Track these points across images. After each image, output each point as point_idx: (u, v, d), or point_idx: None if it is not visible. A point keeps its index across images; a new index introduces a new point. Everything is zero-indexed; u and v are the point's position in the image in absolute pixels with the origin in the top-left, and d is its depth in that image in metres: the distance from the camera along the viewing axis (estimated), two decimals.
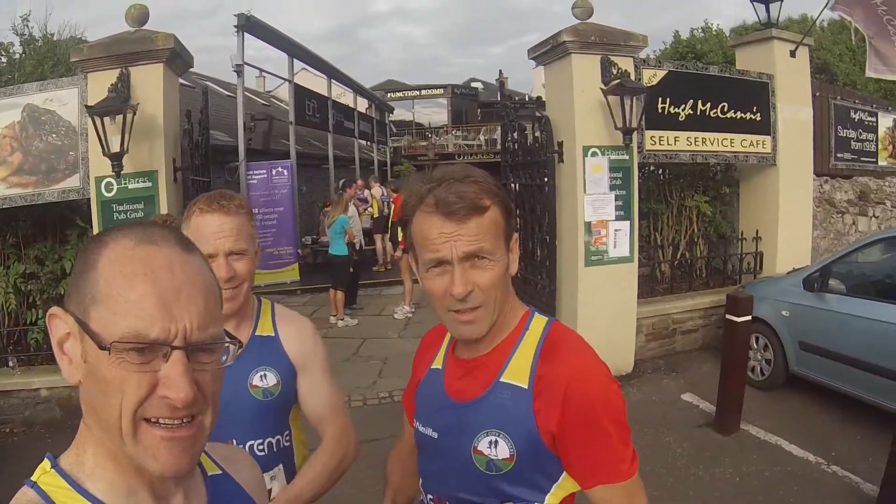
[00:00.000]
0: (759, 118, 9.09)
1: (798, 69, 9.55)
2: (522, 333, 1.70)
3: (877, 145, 13.93)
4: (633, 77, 7.48)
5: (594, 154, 7.11)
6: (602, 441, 1.57)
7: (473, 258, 1.58)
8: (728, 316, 6.39)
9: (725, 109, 8.72)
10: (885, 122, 14.24)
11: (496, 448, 1.63)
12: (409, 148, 37.20)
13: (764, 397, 7.14)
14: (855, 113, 13.23)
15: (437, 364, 1.89)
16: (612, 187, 7.22)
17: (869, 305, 6.30)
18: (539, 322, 1.73)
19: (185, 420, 1.01)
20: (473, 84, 46.72)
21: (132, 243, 1.02)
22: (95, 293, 1.00)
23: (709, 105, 8.55)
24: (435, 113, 41.14)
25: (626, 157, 7.29)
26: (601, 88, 7.16)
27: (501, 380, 1.66)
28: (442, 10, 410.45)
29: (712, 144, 8.67)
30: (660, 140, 7.96)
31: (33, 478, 1.04)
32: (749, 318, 6.40)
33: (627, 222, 7.59)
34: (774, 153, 9.25)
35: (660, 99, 8.01)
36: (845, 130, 12.90)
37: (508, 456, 1.61)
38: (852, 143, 13.14)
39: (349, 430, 2.39)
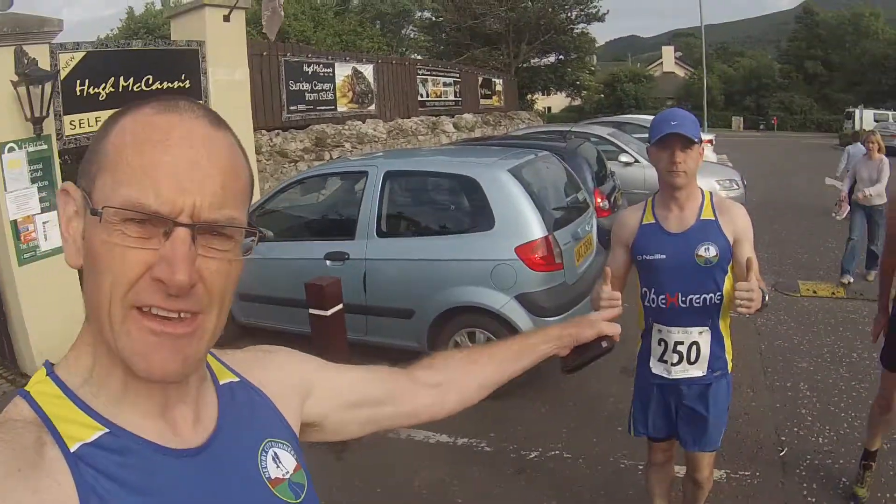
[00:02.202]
0: (188, 85, 9.23)
1: (233, 33, 9.88)
2: None
3: (335, 93, 14.89)
4: (49, 63, 7.28)
5: (11, 150, 6.84)
6: None
7: None
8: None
9: (150, 82, 8.70)
10: (343, 71, 15.27)
11: None
12: None
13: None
14: (309, 66, 14.01)
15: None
16: (33, 180, 7.00)
17: (286, 246, 6.87)
18: None
19: (181, 314, 0.90)
20: None
21: (152, 111, 0.93)
22: (102, 161, 0.91)
23: (132, 80, 8.44)
24: None
25: (45, 146, 7.10)
26: (11, 81, 6.89)
27: None
28: None
29: None
30: (80, 123, 7.78)
31: (27, 386, 0.94)
32: (340, 307, 6.26)
33: (55, 212, 7.32)
34: None
35: (78, 82, 7.77)
36: (298, 84, 13.64)
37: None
38: (307, 94, 13.93)
39: None
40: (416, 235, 6.72)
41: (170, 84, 8.99)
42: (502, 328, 5.96)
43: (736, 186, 13.11)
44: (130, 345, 0.89)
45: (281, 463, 1.11)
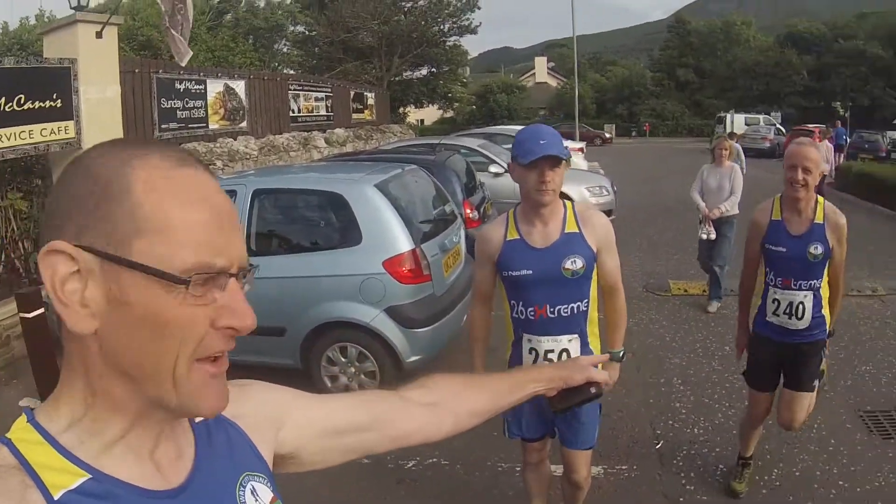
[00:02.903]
0: (60, 104, 8.99)
1: (105, 49, 9.72)
2: None
3: (206, 110, 14.66)
4: None
5: None
6: None
7: None
8: (22, 315, 6.00)
9: (23, 101, 8.40)
10: (214, 87, 15.08)
11: None
12: None
13: None
14: (181, 83, 13.74)
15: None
16: None
17: None
18: None
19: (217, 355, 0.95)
20: None
21: (168, 165, 0.92)
22: (139, 222, 0.88)
23: (3, 100, 8.16)
24: None
25: None
26: None
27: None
28: None
29: (9, 140, 8.35)
30: None
31: (9, 434, 0.92)
32: (42, 310, 5.99)
33: None
34: (79, 136, 9.22)
35: None
36: (170, 101, 13.34)
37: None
38: (179, 112, 13.64)
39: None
40: (287, 253, 6.75)
41: (41, 104, 8.76)
42: (374, 342, 6.11)
43: (606, 193, 13.50)
44: (196, 393, 0.93)
45: (259, 496, 1.12)
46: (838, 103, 58.69)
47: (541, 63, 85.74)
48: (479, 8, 46.49)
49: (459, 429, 1.58)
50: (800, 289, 4.28)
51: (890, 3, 68.80)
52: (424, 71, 49.44)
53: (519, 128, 18.11)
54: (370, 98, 29.76)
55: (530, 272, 3.29)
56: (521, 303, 3.38)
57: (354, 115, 26.73)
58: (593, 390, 1.75)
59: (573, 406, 1.80)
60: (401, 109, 49.39)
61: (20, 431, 0.92)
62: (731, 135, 20.42)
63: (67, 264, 0.88)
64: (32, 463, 0.89)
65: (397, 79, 46.52)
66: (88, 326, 0.89)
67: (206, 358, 0.93)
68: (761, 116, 46.15)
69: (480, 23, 46.88)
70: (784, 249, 4.28)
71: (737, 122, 42.10)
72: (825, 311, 4.35)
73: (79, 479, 0.90)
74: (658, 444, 5.45)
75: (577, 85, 47.08)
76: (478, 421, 1.61)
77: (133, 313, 0.88)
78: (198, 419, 1.10)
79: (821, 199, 4.32)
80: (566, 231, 3.31)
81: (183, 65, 10.79)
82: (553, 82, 78.13)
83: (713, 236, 8.77)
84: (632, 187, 19.86)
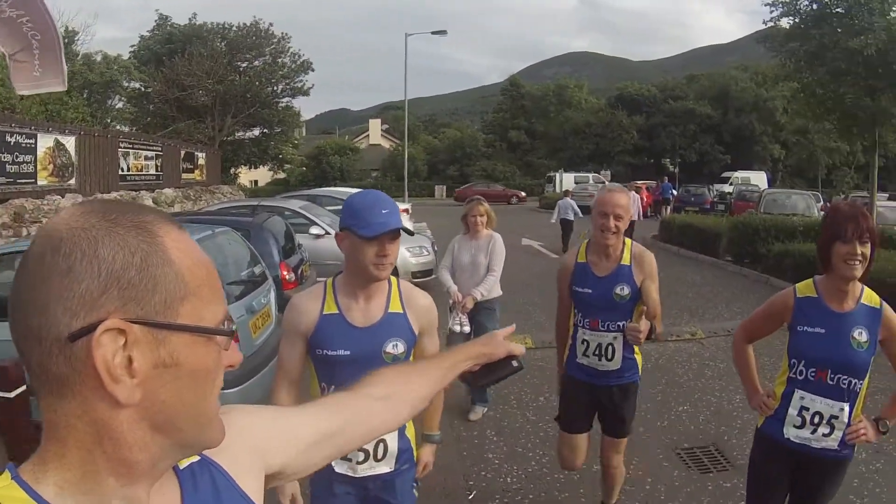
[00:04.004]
0: None
1: None
2: None
3: (36, 166, 14.46)
4: None
5: None
6: None
7: None
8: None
9: None
10: (45, 142, 14.87)
11: None
12: None
13: None
14: (11, 136, 13.55)
15: None
16: None
17: None
18: None
19: None
20: None
21: (177, 228, 0.99)
22: (183, 287, 0.94)
23: None
24: None
25: None
26: None
27: None
28: None
29: None
30: None
31: None
32: (24, 388, 4.97)
33: None
34: None
35: None
36: (1, 154, 13.17)
37: None
38: (8, 166, 13.42)
39: None
40: None
41: None
42: None
43: (426, 253, 13.89)
44: (217, 425, 1.03)
45: None
46: (667, 160, 63.14)
47: (375, 125, 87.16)
48: (312, 70, 47.11)
49: (414, 414, 1.71)
50: (608, 330, 4.34)
51: (719, 66, 73.53)
52: (257, 132, 49.22)
53: (347, 190, 17.81)
54: (201, 158, 29.68)
55: (348, 353, 2.92)
56: (332, 386, 2.95)
57: (184, 175, 26.61)
58: (515, 363, 1.80)
59: (498, 380, 1.85)
60: (232, 170, 48.93)
61: (5, 489, 0.90)
62: (566, 192, 21.45)
63: (117, 340, 0.88)
64: None
65: (229, 139, 46.20)
66: (137, 397, 0.90)
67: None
68: (590, 175, 48.60)
69: (313, 85, 47.57)
70: (590, 291, 4.36)
71: (566, 180, 44.10)
72: (637, 356, 4.48)
73: None
74: (470, 495, 5.43)
75: (409, 146, 48.17)
76: (426, 404, 1.72)
77: (181, 371, 0.93)
78: (183, 465, 1.10)
79: (628, 241, 4.44)
80: (389, 310, 3.01)
81: (63, 89, 10.50)
82: (386, 144, 79.23)
83: (467, 329, 6.94)
84: None
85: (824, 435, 3.36)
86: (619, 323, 4.32)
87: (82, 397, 0.89)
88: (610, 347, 4.35)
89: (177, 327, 0.92)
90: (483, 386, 1.97)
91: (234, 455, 1.20)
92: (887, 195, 28.92)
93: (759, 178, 47.10)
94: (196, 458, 1.13)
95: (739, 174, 48.89)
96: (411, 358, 3.05)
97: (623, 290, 4.28)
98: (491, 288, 6.98)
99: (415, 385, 1.67)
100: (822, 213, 23.97)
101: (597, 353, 4.38)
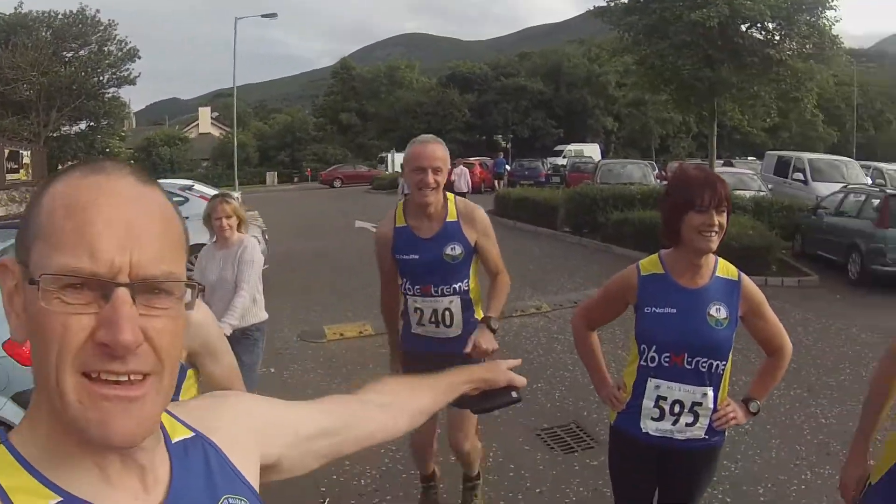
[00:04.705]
0: None
1: None
2: None
3: None
4: None
5: None
6: None
7: None
8: None
9: None
10: None
11: None
12: None
13: None
14: None
15: None
16: None
17: None
18: None
19: (131, 377, 0.88)
20: None
21: (80, 174, 0.92)
22: (35, 230, 0.90)
23: None
24: None
25: None
26: None
27: None
28: None
29: None
30: None
31: None
32: None
33: None
34: None
35: None
36: None
37: None
38: None
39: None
40: None
41: None
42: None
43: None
44: (84, 413, 0.87)
45: None
46: (500, 136, 64.49)
47: (204, 113, 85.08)
48: (139, 58, 45.73)
49: (412, 426, 1.64)
50: (442, 294, 3.99)
51: (551, 43, 75.46)
52: (83, 125, 47.37)
53: (178, 181, 17.15)
54: (26, 156, 28.40)
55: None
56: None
57: (9, 176, 25.31)
58: (514, 394, 1.77)
59: (493, 409, 1.83)
60: (60, 167, 47.00)
61: None
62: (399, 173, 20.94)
63: (10, 278, 0.93)
64: (5, 486, 0.88)
65: (55, 134, 44.35)
66: (22, 336, 0.90)
67: (98, 377, 0.87)
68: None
69: (140, 73, 46.20)
70: (416, 256, 3.99)
71: (398, 160, 44.64)
72: (479, 315, 4.09)
73: (50, 501, 0.89)
74: (324, 501, 5.14)
75: (240, 133, 47.59)
76: (425, 418, 1.68)
77: (29, 319, 0.89)
78: (175, 439, 1.07)
79: (450, 195, 4.10)
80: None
81: None
82: (217, 132, 77.44)
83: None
84: (287, 234, 19.63)
85: (688, 425, 2.99)
86: (454, 286, 3.99)
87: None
88: (447, 312, 3.99)
89: (20, 265, 0.91)
90: (478, 412, 1.94)
91: (233, 435, 1.16)
92: (721, 161, 30.46)
93: (592, 150, 48.83)
94: (190, 434, 1.09)
95: (573, 147, 50.32)
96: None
97: (454, 250, 3.94)
98: (243, 312, 5.35)
99: (416, 398, 1.64)
100: (659, 181, 24.87)
101: (433, 320, 4.02)
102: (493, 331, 3.85)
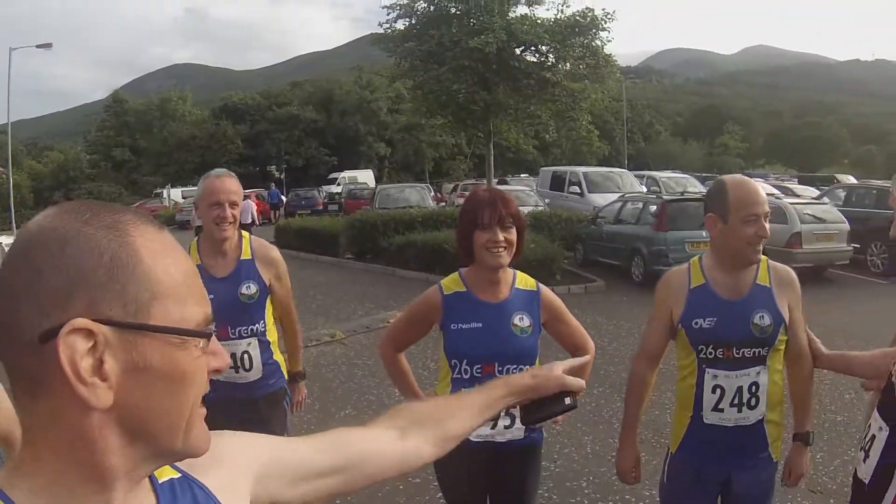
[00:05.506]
0: None
1: None
2: None
3: None
4: None
5: None
6: None
7: None
8: None
9: None
10: None
11: None
12: None
13: None
14: None
15: None
16: None
17: None
18: None
19: None
20: None
21: (153, 227, 0.94)
22: (154, 288, 0.90)
23: None
24: None
25: None
26: None
27: None
28: None
29: None
30: None
31: None
32: None
33: None
34: None
35: None
36: None
37: None
38: None
39: None
40: None
41: None
42: None
43: None
44: (198, 434, 0.96)
45: None
46: (273, 166, 64.30)
47: None
48: None
49: (440, 453, 1.55)
50: (240, 336, 3.83)
51: (323, 70, 75.72)
52: None
53: None
54: None
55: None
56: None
57: None
58: (568, 401, 1.62)
59: (546, 418, 1.68)
60: None
61: None
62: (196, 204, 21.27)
63: (85, 341, 0.85)
64: None
65: None
66: (109, 400, 0.87)
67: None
68: (181, 189, 47.51)
69: None
70: (212, 296, 3.84)
71: (174, 195, 44.13)
72: (278, 357, 4.04)
73: None
74: None
75: (14, 173, 44.80)
76: (456, 443, 1.58)
77: (154, 375, 0.90)
78: (163, 479, 1.05)
79: (245, 233, 4.00)
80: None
81: None
82: None
83: None
84: None
85: (506, 427, 3.06)
86: (251, 327, 3.84)
87: (54, 400, 0.87)
88: (246, 356, 3.84)
89: (147, 328, 0.89)
90: (532, 423, 1.75)
91: (222, 477, 1.14)
92: (496, 180, 31.77)
93: (366, 176, 49.65)
94: (177, 475, 1.08)
95: (346, 174, 50.96)
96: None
97: (250, 289, 3.82)
98: None
99: (445, 423, 1.54)
100: (436, 203, 25.84)
101: (233, 365, 3.77)
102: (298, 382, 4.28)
